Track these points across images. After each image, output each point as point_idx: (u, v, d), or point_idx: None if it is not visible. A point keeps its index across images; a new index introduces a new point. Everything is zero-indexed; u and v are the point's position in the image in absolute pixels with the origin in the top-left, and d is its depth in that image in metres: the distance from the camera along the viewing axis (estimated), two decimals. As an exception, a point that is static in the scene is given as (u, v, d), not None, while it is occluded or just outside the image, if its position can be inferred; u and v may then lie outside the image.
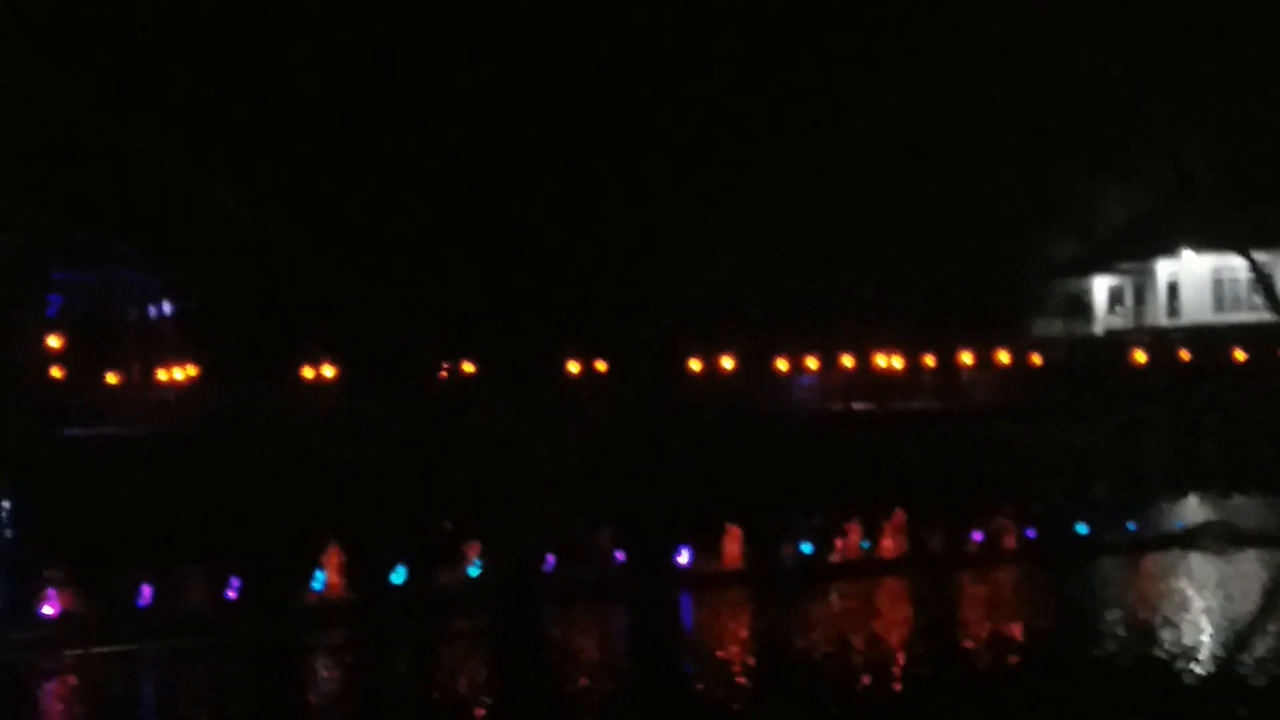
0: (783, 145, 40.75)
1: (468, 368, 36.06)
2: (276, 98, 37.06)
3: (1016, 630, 26.61)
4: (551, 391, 35.45)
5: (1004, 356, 42.88)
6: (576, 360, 36.90)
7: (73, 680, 25.67)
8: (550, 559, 30.46)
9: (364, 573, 29.27)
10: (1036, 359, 44.01)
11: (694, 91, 41.49)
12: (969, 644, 25.56)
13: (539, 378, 35.80)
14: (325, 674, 25.40)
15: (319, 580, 29.19)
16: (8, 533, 29.33)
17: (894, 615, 29.47)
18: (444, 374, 34.20)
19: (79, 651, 26.65)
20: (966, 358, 42.57)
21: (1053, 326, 50.66)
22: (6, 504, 29.95)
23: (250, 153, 33.38)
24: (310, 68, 37.88)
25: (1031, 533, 35.45)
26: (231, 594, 28.54)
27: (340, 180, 36.37)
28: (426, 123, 38.34)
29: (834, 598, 30.76)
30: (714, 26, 41.68)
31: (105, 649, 26.76)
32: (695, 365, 37.82)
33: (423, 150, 38.33)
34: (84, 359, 34.55)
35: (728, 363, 38.21)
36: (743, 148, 41.47)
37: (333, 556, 29.40)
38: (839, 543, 33.65)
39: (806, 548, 33.08)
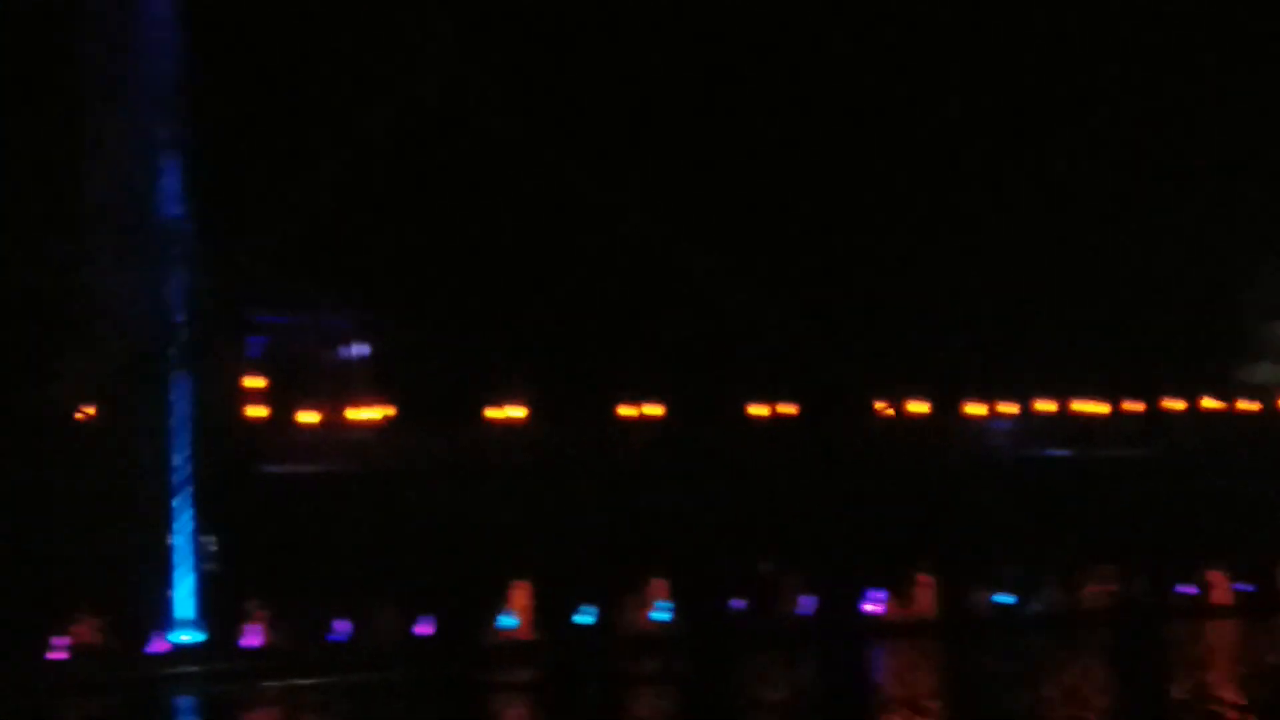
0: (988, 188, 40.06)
1: (653, 410, 36.07)
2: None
3: (1234, 687, 25.46)
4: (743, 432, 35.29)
5: (1214, 403, 41.50)
6: (763, 404, 36.71)
7: (270, 712, 26.16)
8: (738, 603, 30.16)
9: (552, 613, 29.30)
10: (1249, 405, 42.46)
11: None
12: (1185, 701, 24.52)
13: (731, 418, 35.67)
14: (510, 713, 25.44)
15: (509, 619, 29.31)
16: (211, 567, 30.09)
17: (1103, 670, 28.49)
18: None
19: (276, 684, 27.17)
20: (1173, 403, 41.25)
21: (1266, 372, 48.78)
22: (209, 539, 30.73)
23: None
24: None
25: (1245, 586, 34.05)
26: (422, 630, 28.83)
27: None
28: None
29: (1035, 650, 29.87)
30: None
31: (301, 681, 27.24)
32: (882, 407, 37.22)
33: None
34: (282, 398, 35.49)
35: (917, 406, 37.58)
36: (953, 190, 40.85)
37: (522, 596, 29.50)
38: (1040, 593, 32.71)
39: (1005, 598, 32.20)
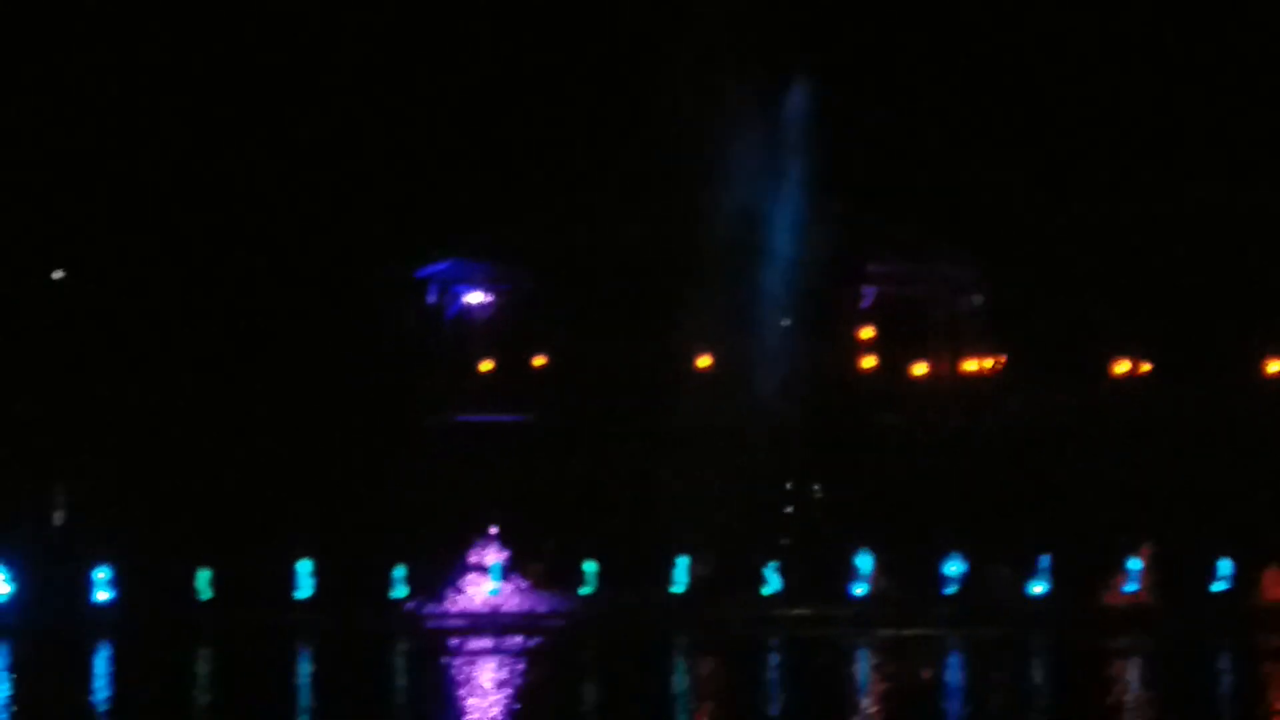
0: None
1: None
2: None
3: None
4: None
5: None
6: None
7: (883, 659, 26.12)
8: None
9: (1181, 579, 27.87)
10: None
11: None
12: None
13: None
14: (1116, 679, 24.19)
15: (1133, 582, 28.11)
16: (818, 514, 30.54)
17: None
18: None
19: (890, 632, 27.17)
20: None
21: None
22: (817, 487, 31.18)
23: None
24: None
25: None
26: (1038, 589, 28.14)
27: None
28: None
29: None
30: None
31: (912, 632, 27.14)
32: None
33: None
34: (893, 349, 35.41)
35: None
36: None
37: (1148, 559, 28.18)
38: None
39: None
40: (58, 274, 35.78)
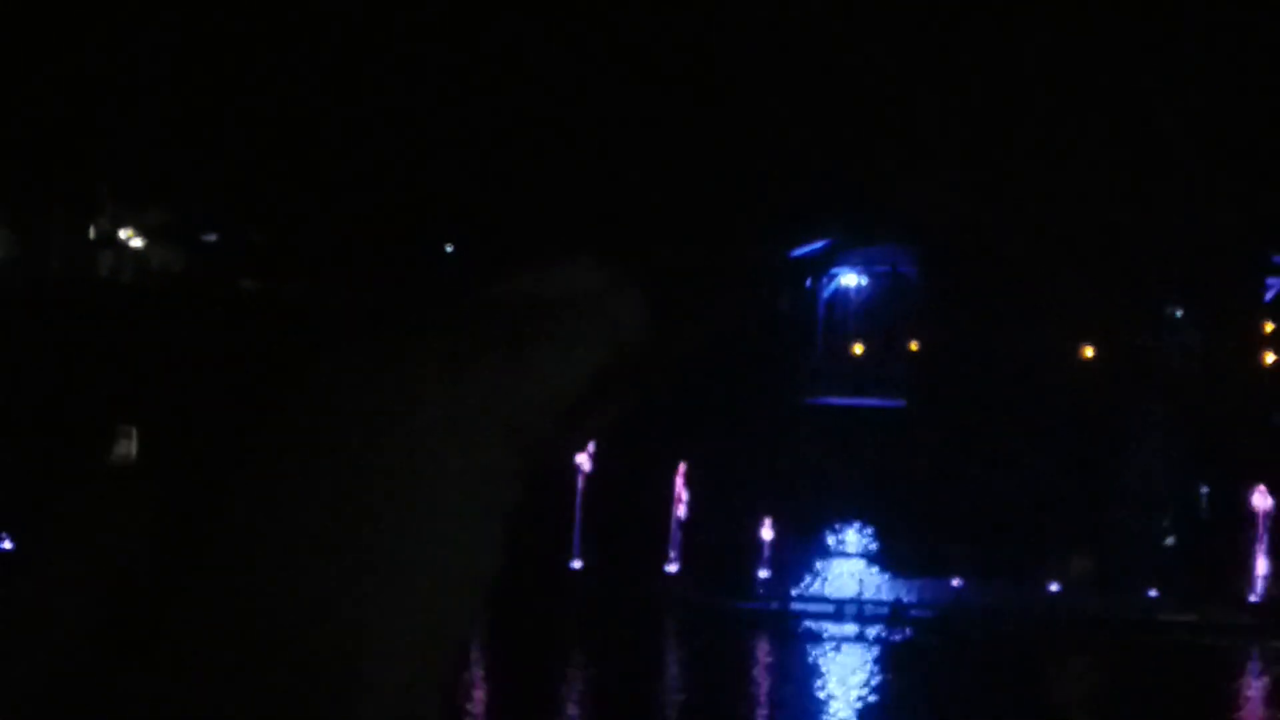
0: None
1: None
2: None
3: None
4: None
5: None
6: None
7: (1268, 670, 24.64)
8: None
9: None
10: None
11: None
12: None
13: None
14: None
15: None
16: (1207, 515, 28.94)
17: None
18: None
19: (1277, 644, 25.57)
20: None
21: None
22: (1204, 490, 29.58)
23: None
24: None
25: None
26: None
27: None
28: None
29: None
30: None
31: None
32: None
33: None
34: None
35: None
36: None
37: None
38: None
39: None
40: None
